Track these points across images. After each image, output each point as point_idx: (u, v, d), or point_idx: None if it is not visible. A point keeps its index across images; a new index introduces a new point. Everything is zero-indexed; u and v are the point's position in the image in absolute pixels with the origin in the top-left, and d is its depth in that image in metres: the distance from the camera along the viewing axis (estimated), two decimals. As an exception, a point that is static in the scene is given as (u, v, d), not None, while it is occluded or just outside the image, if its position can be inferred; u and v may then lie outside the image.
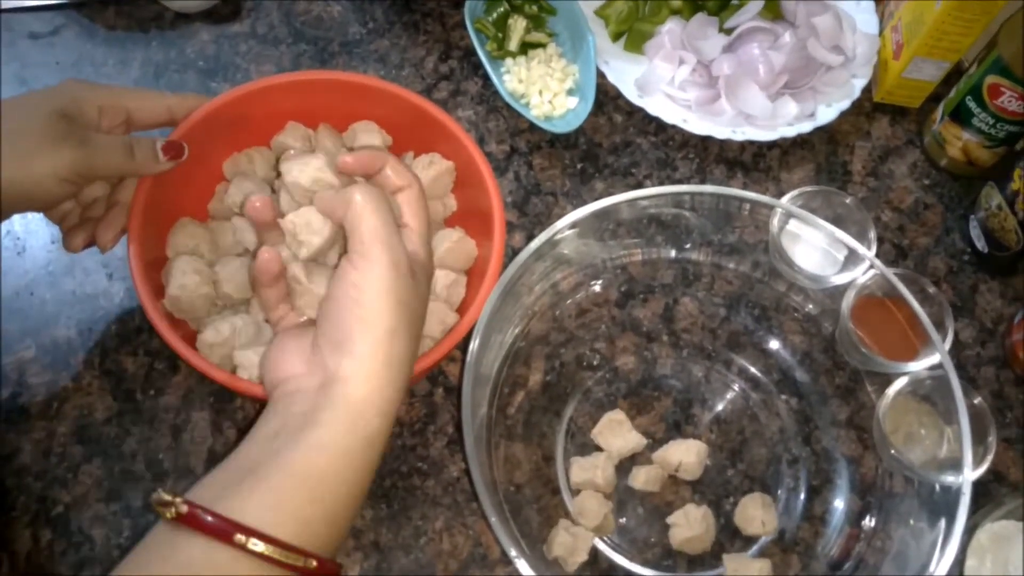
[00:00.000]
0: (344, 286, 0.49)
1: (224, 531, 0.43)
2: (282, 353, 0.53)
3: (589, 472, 0.67)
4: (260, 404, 0.68)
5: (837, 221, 0.73)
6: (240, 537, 0.43)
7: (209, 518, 0.43)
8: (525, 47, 0.85)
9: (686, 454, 0.68)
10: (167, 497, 0.44)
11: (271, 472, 0.45)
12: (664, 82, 0.85)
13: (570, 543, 0.64)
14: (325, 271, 0.56)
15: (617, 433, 0.69)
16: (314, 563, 0.44)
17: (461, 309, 0.65)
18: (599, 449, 0.69)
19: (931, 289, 0.71)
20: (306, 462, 0.46)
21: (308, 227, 0.54)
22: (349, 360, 0.48)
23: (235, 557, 0.43)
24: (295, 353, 0.52)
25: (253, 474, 0.45)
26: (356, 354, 0.48)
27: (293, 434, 0.47)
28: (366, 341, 0.48)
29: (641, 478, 0.68)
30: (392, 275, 0.49)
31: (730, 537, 0.68)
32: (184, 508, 0.43)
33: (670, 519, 0.66)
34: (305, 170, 0.56)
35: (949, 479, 0.62)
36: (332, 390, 0.48)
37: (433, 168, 0.68)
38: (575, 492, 0.68)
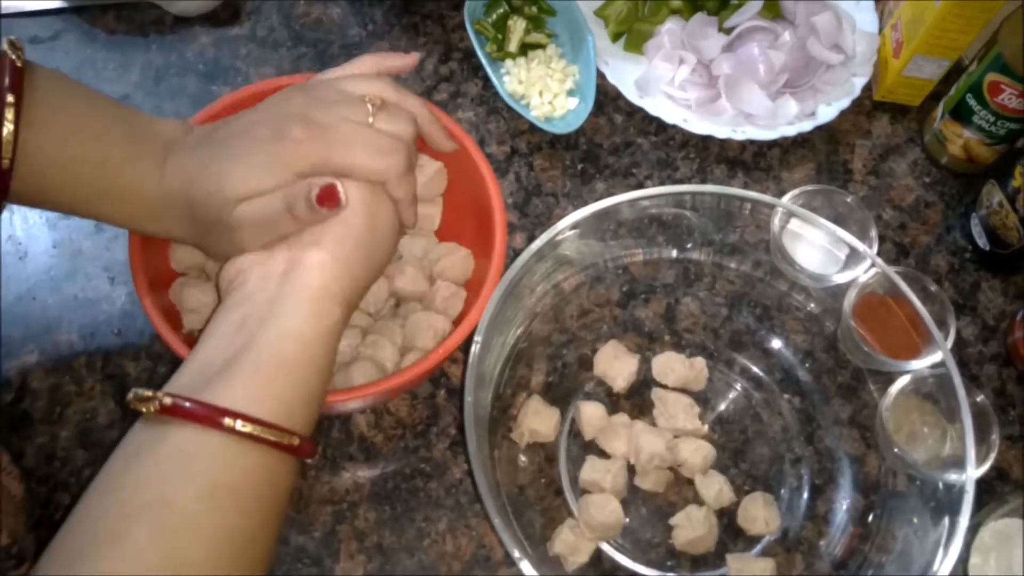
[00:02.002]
0: None
1: (211, 416, 0.45)
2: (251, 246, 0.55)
3: (600, 473, 0.67)
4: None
5: (838, 220, 0.73)
6: (228, 420, 0.45)
7: (195, 406, 0.45)
8: (525, 48, 0.85)
9: (694, 455, 0.68)
10: (147, 393, 0.45)
11: (247, 362, 0.47)
12: (664, 82, 0.85)
13: (572, 542, 0.64)
14: None
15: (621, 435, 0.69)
16: (296, 440, 0.47)
17: (458, 320, 0.65)
18: (604, 454, 0.69)
19: (933, 287, 0.71)
20: (278, 351, 0.48)
21: None
22: (315, 250, 0.52)
23: (224, 441, 0.45)
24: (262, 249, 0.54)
25: (229, 365, 0.47)
26: (323, 245, 0.52)
27: (260, 323, 0.49)
28: (334, 237, 0.52)
29: (651, 478, 0.68)
30: (371, 194, 0.54)
31: (733, 537, 0.68)
32: (168, 400, 0.45)
33: (673, 520, 0.66)
34: None
35: (952, 477, 0.62)
36: (294, 274, 0.51)
37: (423, 172, 0.68)
38: (582, 492, 0.68)
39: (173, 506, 0.43)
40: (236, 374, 0.47)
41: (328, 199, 0.51)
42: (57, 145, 0.52)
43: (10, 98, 0.49)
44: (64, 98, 0.53)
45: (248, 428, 0.45)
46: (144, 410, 0.45)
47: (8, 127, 0.49)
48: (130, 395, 0.46)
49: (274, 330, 0.49)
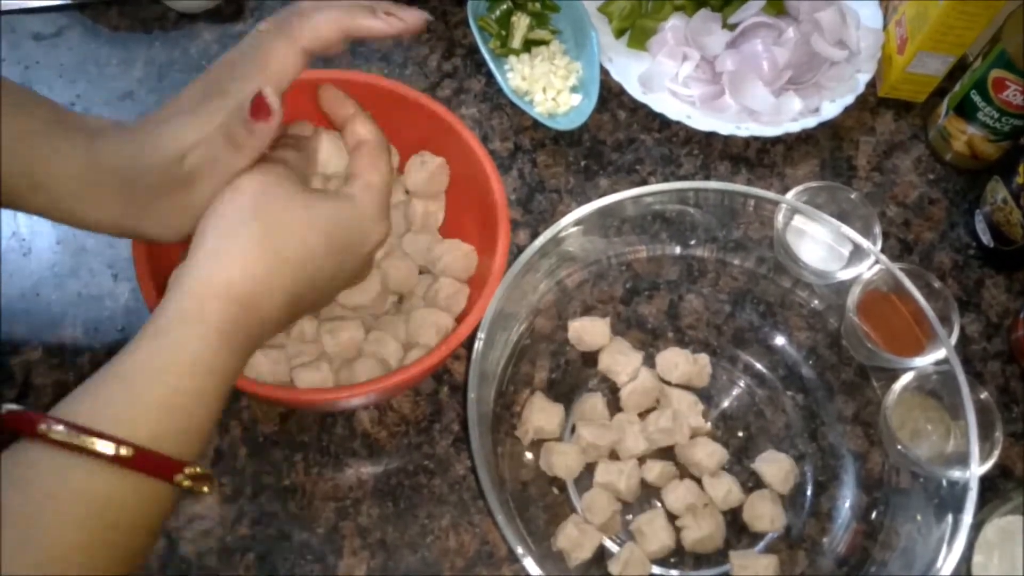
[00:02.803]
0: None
1: (28, 423, 0.41)
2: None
3: (613, 475, 0.67)
4: (266, 404, 0.68)
5: (842, 216, 0.73)
6: (42, 426, 0.40)
7: (20, 417, 0.41)
8: (528, 44, 0.85)
9: (709, 458, 0.68)
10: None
11: (108, 367, 0.44)
12: (668, 78, 0.85)
13: (576, 538, 0.64)
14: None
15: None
16: (130, 451, 0.41)
17: (461, 316, 0.65)
18: (613, 455, 0.69)
19: (937, 284, 0.71)
20: (138, 351, 0.44)
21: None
22: (200, 245, 0.48)
23: (51, 453, 0.41)
24: None
25: (98, 374, 0.44)
26: (203, 239, 0.48)
27: (141, 329, 0.46)
28: (213, 228, 0.49)
29: (656, 471, 0.68)
30: (259, 175, 0.50)
31: (737, 534, 0.68)
32: (3, 410, 0.42)
33: (679, 522, 0.66)
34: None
35: (956, 474, 0.62)
36: (179, 274, 0.48)
37: (425, 168, 0.68)
38: (586, 488, 0.68)
39: None
40: (87, 382, 0.44)
41: (259, 111, 0.48)
42: None
43: None
44: None
45: (56, 433, 0.40)
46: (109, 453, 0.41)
47: None
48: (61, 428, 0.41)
49: (143, 330, 0.45)
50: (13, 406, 0.42)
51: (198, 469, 0.44)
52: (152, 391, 0.43)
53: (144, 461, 0.42)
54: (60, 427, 0.40)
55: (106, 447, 0.40)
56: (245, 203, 0.49)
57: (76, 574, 0.40)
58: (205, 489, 0.45)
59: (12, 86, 0.52)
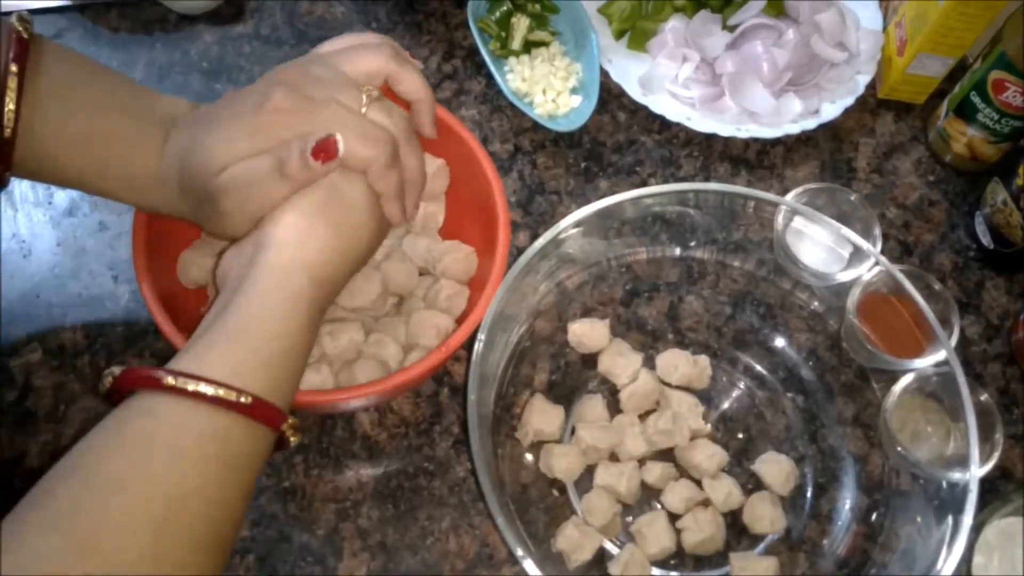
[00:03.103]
0: None
1: (154, 378, 0.44)
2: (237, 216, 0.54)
3: (613, 477, 0.67)
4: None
5: (842, 218, 0.73)
6: (170, 379, 0.44)
7: (140, 373, 0.45)
8: (528, 46, 0.85)
9: (708, 460, 0.68)
10: (109, 371, 0.46)
11: (203, 334, 0.48)
12: (668, 80, 0.85)
13: (576, 539, 0.64)
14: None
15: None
16: (249, 399, 0.45)
17: (461, 319, 0.65)
18: (613, 456, 0.69)
19: (937, 286, 0.71)
20: (233, 319, 0.48)
21: None
22: (275, 225, 0.51)
23: (165, 400, 0.45)
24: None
25: (191, 342, 0.48)
26: (280, 222, 0.51)
27: (227, 302, 0.49)
28: (292, 209, 0.51)
29: (656, 472, 0.68)
30: (340, 176, 0.53)
31: (737, 535, 0.68)
32: (118, 371, 0.46)
33: (680, 524, 0.66)
34: None
35: (956, 476, 0.62)
36: (260, 251, 0.50)
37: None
38: (586, 490, 0.68)
39: (101, 466, 0.43)
40: (193, 345, 0.47)
41: (325, 151, 0.50)
42: (61, 118, 0.52)
43: (13, 68, 0.50)
44: (71, 72, 0.53)
45: (192, 386, 0.44)
46: (107, 383, 0.46)
47: (11, 96, 0.50)
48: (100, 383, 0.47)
49: (237, 301, 0.48)
50: (121, 367, 0.46)
51: (294, 419, 0.49)
52: (261, 349, 0.48)
53: (260, 409, 0.46)
54: (187, 379, 0.44)
55: (229, 394, 0.45)
56: (320, 196, 0.52)
57: (203, 510, 0.44)
58: (293, 439, 0.49)
59: (107, 72, 0.55)
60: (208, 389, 0.44)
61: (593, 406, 0.70)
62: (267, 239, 0.51)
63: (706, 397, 0.72)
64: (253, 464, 0.48)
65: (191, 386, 0.44)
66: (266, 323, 0.48)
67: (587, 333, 0.71)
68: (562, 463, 0.66)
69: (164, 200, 0.55)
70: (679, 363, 0.71)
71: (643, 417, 0.70)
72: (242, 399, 0.45)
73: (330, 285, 0.52)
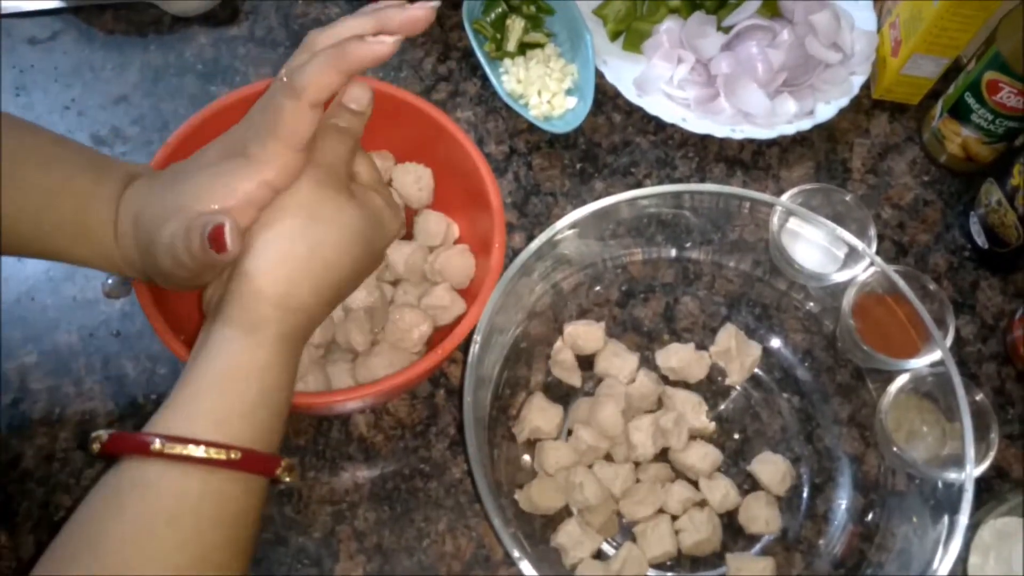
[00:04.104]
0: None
1: (141, 443, 0.44)
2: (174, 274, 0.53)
3: (609, 476, 0.67)
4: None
5: (837, 219, 0.73)
6: (157, 444, 0.43)
7: (128, 441, 0.44)
8: (523, 47, 0.85)
9: (702, 460, 0.68)
10: (96, 434, 0.46)
11: (184, 383, 0.47)
12: (663, 81, 0.85)
13: (577, 536, 0.64)
14: None
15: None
16: (238, 454, 0.45)
17: (456, 320, 0.65)
18: (608, 457, 0.69)
19: (932, 286, 0.71)
20: (210, 364, 0.47)
21: None
22: (250, 257, 0.49)
23: (164, 468, 0.44)
24: None
25: (174, 392, 0.47)
26: (253, 251, 0.49)
27: (202, 343, 0.48)
28: (263, 239, 0.49)
29: (651, 473, 0.68)
30: (311, 183, 0.50)
31: (733, 536, 0.68)
32: (105, 436, 0.45)
33: (677, 524, 0.66)
34: None
35: (951, 476, 0.62)
36: (231, 287, 0.49)
37: (410, 174, 0.70)
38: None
39: (105, 543, 0.42)
40: (175, 396, 0.46)
41: (215, 241, 0.47)
42: (12, 174, 0.51)
43: None
44: (23, 133, 0.52)
45: (178, 449, 0.43)
46: (95, 449, 0.45)
47: None
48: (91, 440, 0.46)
49: (214, 339, 0.48)
50: (105, 433, 0.45)
51: (288, 460, 0.48)
52: (243, 394, 0.47)
53: (251, 462, 0.45)
54: (174, 443, 0.43)
55: (219, 453, 0.44)
56: (294, 222, 0.50)
57: (214, 574, 0.44)
58: (288, 479, 0.48)
59: (48, 135, 0.54)
60: (197, 451, 0.44)
61: (595, 408, 0.69)
62: (240, 269, 0.49)
63: (704, 395, 0.72)
64: (250, 517, 0.47)
65: (179, 450, 0.43)
66: (242, 366, 0.47)
67: (583, 335, 0.71)
68: (553, 457, 0.66)
69: (121, 255, 0.53)
70: (683, 355, 0.72)
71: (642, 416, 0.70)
72: (232, 455, 0.44)
73: (306, 314, 0.50)
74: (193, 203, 0.49)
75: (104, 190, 0.52)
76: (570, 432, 0.69)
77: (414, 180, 0.70)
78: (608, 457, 0.69)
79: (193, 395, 0.46)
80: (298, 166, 0.50)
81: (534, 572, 0.56)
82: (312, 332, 0.52)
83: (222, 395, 0.46)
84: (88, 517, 0.44)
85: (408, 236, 0.71)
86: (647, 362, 0.73)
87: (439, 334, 0.66)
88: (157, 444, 0.43)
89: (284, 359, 0.49)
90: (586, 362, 0.72)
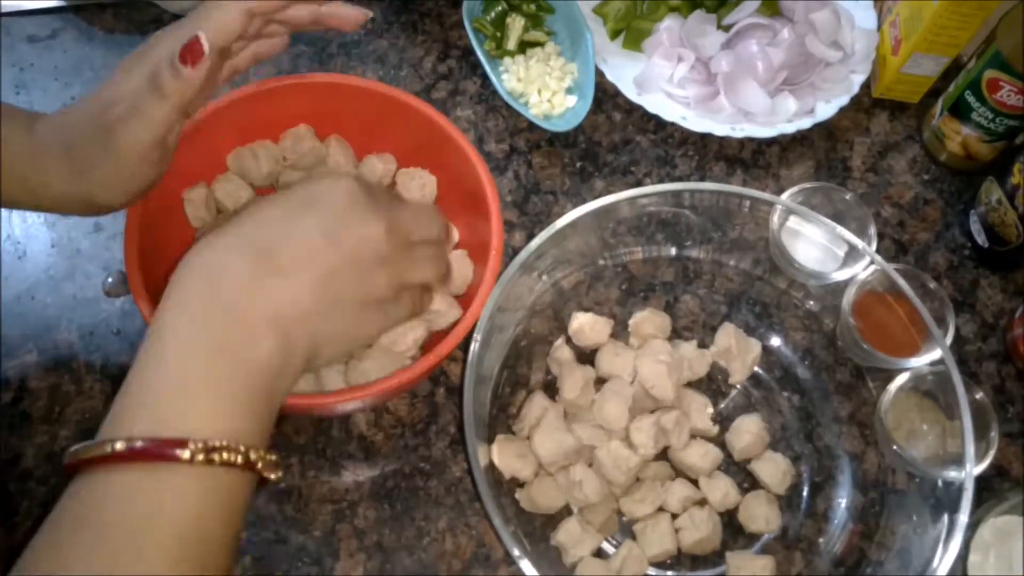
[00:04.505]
0: None
1: (164, 451, 0.41)
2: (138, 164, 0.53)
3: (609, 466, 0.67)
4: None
5: (837, 217, 0.73)
6: (180, 451, 0.40)
7: (148, 444, 0.41)
8: (523, 46, 0.85)
9: (702, 459, 0.68)
10: (112, 439, 0.41)
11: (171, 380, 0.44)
12: (663, 80, 0.85)
13: (577, 534, 0.64)
14: None
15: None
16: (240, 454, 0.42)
17: (446, 331, 0.64)
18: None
19: (932, 284, 0.71)
20: (198, 364, 0.44)
21: None
22: (255, 268, 0.46)
23: (184, 473, 0.41)
24: None
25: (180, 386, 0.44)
26: (286, 271, 0.46)
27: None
28: (271, 262, 0.46)
29: (651, 471, 0.68)
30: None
31: (733, 535, 0.68)
32: (139, 444, 0.41)
33: (677, 523, 0.66)
34: None
35: (952, 475, 0.62)
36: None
37: (415, 179, 0.71)
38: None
39: (96, 550, 0.39)
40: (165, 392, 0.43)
41: (189, 53, 0.48)
42: None
43: None
44: None
45: (202, 455, 0.41)
46: (118, 447, 0.41)
47: None
48: (73, 451, 0.41)
49: (196, 343, 0.44)
50: (122, 441, 0.41)
51: (259, 455, 0.45)
52: (236, 399, 0.44)
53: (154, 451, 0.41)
54: (195, 451, 0.41)
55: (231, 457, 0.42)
56: (313, 236, 0.47)
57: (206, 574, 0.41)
58: (273, 477, 0.45)
59: None
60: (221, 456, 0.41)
61: (614, 406, 0.69)
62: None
63: (703, 393, 0.72)
64: (243, 511, 0.44)
65: (202, 456, 0.41)
66: (240, 372, 0.44)
67: (591, 325, 0.71)
68: (547, 443, 0.65)
69: (44, 177, 0.52)
70: (682, 351, 0.72)
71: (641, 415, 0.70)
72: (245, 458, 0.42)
73: (313, 324, 0.47)
74: (102, 98, 0.51)
75: (6, 130, 0.53)
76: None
77: (419, 186, 0.71)
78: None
79: (182, 396, 0.43)
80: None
81: (534, 571, 0.56)
82: (319, 337, 0.49)
83: (216, 398, 0.43)
84: (59, 534, 0.40)
85: None
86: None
87: (437, 337, 0.66)
88: (181, 451, 0.40)
89: (289, 369, 0.46)
90: (585, 358, 0.72)
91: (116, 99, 0.51)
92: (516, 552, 0.56)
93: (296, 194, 0.49)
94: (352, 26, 0.59)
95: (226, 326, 0.44)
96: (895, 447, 0.66)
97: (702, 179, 0.83)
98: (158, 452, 0.41)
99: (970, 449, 0.61)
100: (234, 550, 0.45)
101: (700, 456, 0.68)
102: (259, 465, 0.44)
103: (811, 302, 0.75)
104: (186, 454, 0.41)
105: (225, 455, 0.42)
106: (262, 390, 0.45)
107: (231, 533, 0.44)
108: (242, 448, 0.43)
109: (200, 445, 0.41)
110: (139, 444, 0.41)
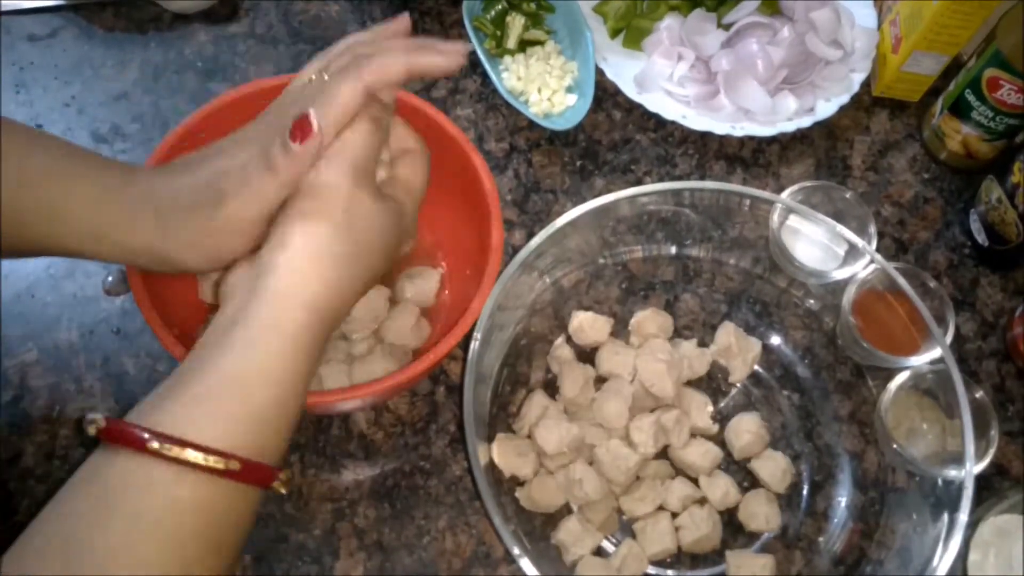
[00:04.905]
0: (305, 178, 0.50)
1: (137, 439, 0.41)
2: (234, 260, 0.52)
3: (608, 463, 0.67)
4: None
5: (837, 216, 0.73)
6: (155, 444, 0.41)
7: (125, 432, 0.41)
8: (523, 45, 0.85)
9: (703, 458, 0.68)
10: (93, 416, 0.43)
11: (194, 378, 0.44)
12: (663, 78, 0.85)
13: (578, 532, 0.64)
14: None
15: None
16: (237, 464, 0.42)
17: (455, 320, 0.64)
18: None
19: (932, 283, 0.71)
20: (227, 363, 0.45)
21: None
22: (281, 250, 0.48)
23: (157, 468, 0.41)
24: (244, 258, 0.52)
25: (180, 383, 0.44)
26: (288, 245, 0.48)
27: (220, 336, 0.46)
28: (302, 233, 0.48)
29: (651, 470, 0.68)
30: (349, 182, 0.49)
31: (733, 533, 0.68)
32: (103, 423, 0.42)
33: (677, 522, 0.66)
34: None
35: (951, 473, 0.62)
36: (259, 282, 0.47)
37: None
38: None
39: (90, 544, 0.40)
40: (182, 391, 0.44)
41: (300, 130, 0.47)
42: (33, 186, 0.50)
43: None
44: (33, 147, 0.51)
45: (175, 452, 0.41)
46: (91, 432, 0.42)
47: None
48: (85, 419, 0.43)
49: (233, 338, 0.45)
50: (102, 417, 0.42)
51: (286, 473, 0.46)
52: (253, 400, 0.44)
53: (249, 473, 0.43)
54: (172, 445, 0.41)
55: (218, 463, 0.42)
56: (331, 223, 0.49)
57: None
58: (283, 490, 0.46)
59: (56, 146, 0.52)
60: (195, 456, 0.41)
61: (614, 405, 0.69)
62: (272, 262, 0.47)
63: (703, 392, 0.72)
64: (241, 525, 0.45)
65: (175, 452, 0.41)
66: (261, 370, 0.45)
67: (591, 324, 0.71)
68: (550, 436, 0.65)
69: (121, 228, 0.51)
70: (682, 349, 0.72)
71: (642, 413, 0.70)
72: (230, 465, 0.42)
73: (332, 318, 0.49)
74: (211, 168, 0.50)
75: (111, 174, 0.51)
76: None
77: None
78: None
79: (203, 394, 0.44)
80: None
81: (534, 569, 0.56)
82: (332, 332, 0.50)
83: (232, 398, 0.44)
84: (71, 512, 0.41)
85: None
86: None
87: (437, 335, 0.66)
88: (155, 444, 0.41)
89: (305, 366, 0.47)
90: (585, 357, 0.72)
91: (229, 169, 0.50)
92: (516, 551, 0.56)
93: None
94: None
95: (295, 356, 0.46)
96: (895, 446, 0.66)
97: (702, 178, 0.83)
98: (130, 437, 0.41)
99: (970, 448, 0.61)
100: (239, 557, 0.46)
101: (700, 455, 0.68)
102: (277, 484, 0.45)
103: (811, 301, 0.75)
104: (233, 465, 0.42)
105: (259, 473, 0.44)
106: (295, 413, 0.47)
107: (241, 541, 0.45)
108: (278, 473, 0.45)
109: (248, 464, 0.43)
110: (247, 465, 0.43)
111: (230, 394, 0.44)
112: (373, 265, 0.51)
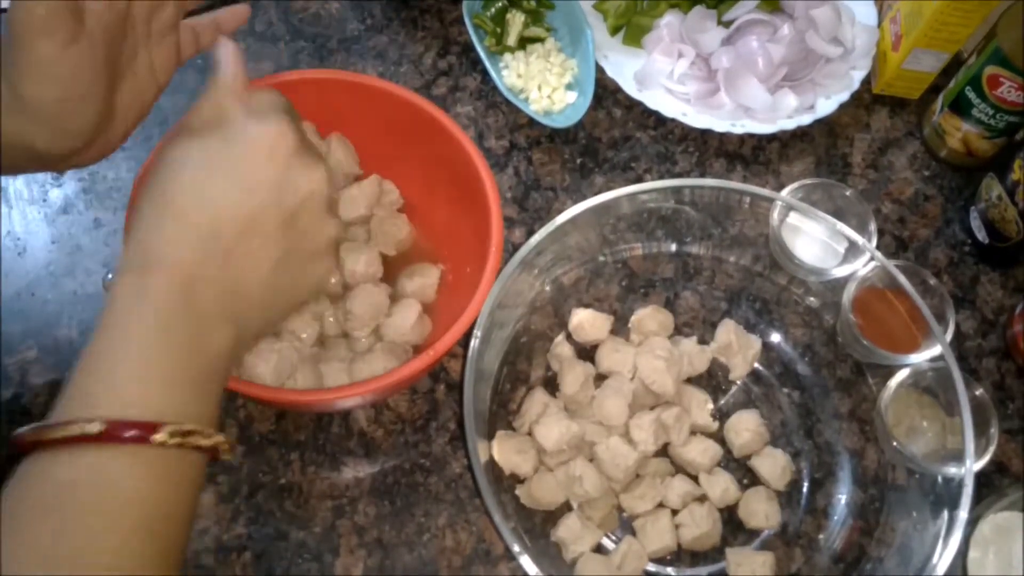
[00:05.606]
0: None
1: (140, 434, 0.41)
2: None
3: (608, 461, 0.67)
4: (261, 405, 0.68)
5: (837, 214, 0.73)
6: (158, 436, 0.41)
7: (124, 428, 0.41)
8: (524, 42, 0.85)
9: (702, 455, 0.68)
10: (60, 421, 0.41)
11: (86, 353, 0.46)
12: (663, 76, 0.85)
13: (577, 530, 0.64)
14: None
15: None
16: (98, 427, 0.41)
17: (457, 314, 0.64)
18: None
19: (932, 281, 0.71)
20: (113, 330, 0.46)
21: None
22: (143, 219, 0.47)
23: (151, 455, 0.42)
24: None
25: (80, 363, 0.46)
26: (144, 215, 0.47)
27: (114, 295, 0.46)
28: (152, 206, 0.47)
29: (651, 467, 0.68)
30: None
31: (733, 531, 0.68)
32: (97, 426, 0.41)
33: (677, 519, 0.66)
34: None
35: (951, 471, 0.62)
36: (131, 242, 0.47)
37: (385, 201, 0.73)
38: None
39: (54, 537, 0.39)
40: (84, 373, 0.44)
41: None
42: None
43: None
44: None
45: (176, 439, 0.41)
46: (76, 433, 0.40)
47: None
48: (33, 428, 0.41)
49: (115, 312, 0.46)
50: (96, 425, 0.41)
51: (223, 437, 0.45)
52: (196, 383, 0.45)
53: (114, 432, 0.41)
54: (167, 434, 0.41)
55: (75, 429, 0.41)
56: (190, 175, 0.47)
57: (148, 574, 0.41)
58: (228, 457, 0.46)
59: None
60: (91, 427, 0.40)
61: (614, 402, 0.69)
62: (137, 221, 0.47)
63: (703, 389, 0.72)
64: (194, 494, 0.45)
65: (176, 440, 0.41)
66: (143, 334, 0.44)
67: (591, 322, 0.71)
68: (551, 432, 0.65)
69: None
70: (682, 347, 0.72)
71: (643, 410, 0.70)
72: (88, 429, 0.40)
73: (211, 288, 0.46)
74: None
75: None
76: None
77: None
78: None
79: (101, 371, 0.44)
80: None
81: (534, 567, 0.56)
82: (240, 304, 0.47)
83: (141, 368, 0.44)
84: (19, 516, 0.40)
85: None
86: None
87: (437, 333, 0.66)
88: (158, 436, 0.41)
89: (193, 324, 0.45)
90: (585, 354, 0.72)
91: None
92: (516, 548, 0.56)
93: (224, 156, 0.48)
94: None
95: (188, 322, 0.45)
96: (895, 443, 0.66)
97: (702, 175, 0.83)
98: (135, 435, 0.41)
99: (970, 445, 0.61)
100: (190, 528, 0.45)
101: (700, 452, 0.68)
102: (221, 448, 0.45)
103: (811, 298, 0.75)
104: (160, 437, 0.41)
105: (193, 439, 0.43)
106: (221, 375, 0.47)
107: (191, 512, 0.45)
108: (209, 432, 0.44)
109: (174, 429, 0.42)
110: (114, 426, 0.41)
111: (140, 362, 0.44)
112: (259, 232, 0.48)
